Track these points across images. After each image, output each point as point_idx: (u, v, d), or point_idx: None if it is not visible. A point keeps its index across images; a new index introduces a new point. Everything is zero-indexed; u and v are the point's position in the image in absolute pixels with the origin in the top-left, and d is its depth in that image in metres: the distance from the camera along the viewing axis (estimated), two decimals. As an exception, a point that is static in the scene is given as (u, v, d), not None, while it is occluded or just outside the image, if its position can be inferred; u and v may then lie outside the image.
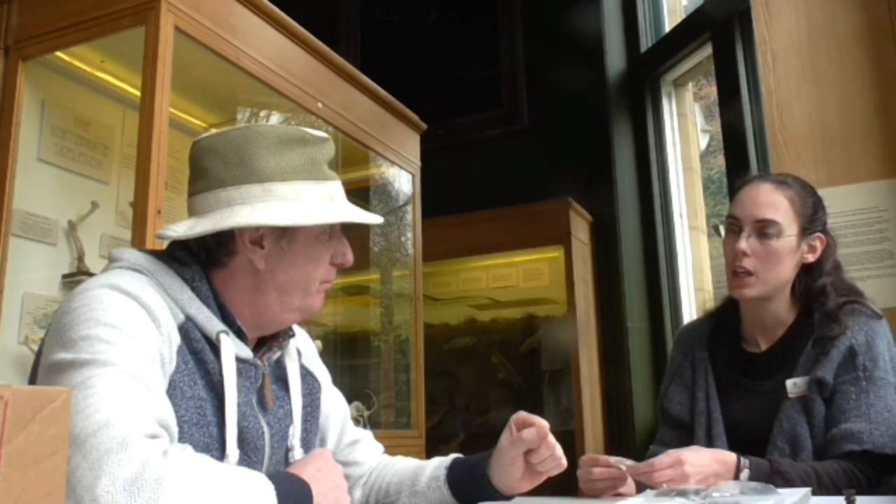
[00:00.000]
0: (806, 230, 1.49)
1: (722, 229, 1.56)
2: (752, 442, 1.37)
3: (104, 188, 2.27)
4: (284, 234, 1.08)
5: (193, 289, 1.05)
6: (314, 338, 2.74)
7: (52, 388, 0.49)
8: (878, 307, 1.51)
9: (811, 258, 1.50)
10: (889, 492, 1.36)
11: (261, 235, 1.07)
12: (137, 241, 1.73)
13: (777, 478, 1.28)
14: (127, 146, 2.29)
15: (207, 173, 1.08)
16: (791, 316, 1.52)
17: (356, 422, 2.58)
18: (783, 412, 1.42)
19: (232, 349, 1.04)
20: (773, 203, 1.48)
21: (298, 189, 1.07)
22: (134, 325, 0.95)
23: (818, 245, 1.51)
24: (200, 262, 1.08)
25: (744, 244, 1.46)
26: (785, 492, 1.13)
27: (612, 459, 1.27)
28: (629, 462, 1.27)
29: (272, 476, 0.93)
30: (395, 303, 3.19)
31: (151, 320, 0.97)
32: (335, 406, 1.31)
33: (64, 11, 1.99)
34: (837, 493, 1.26)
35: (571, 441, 3.32)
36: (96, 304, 0.95)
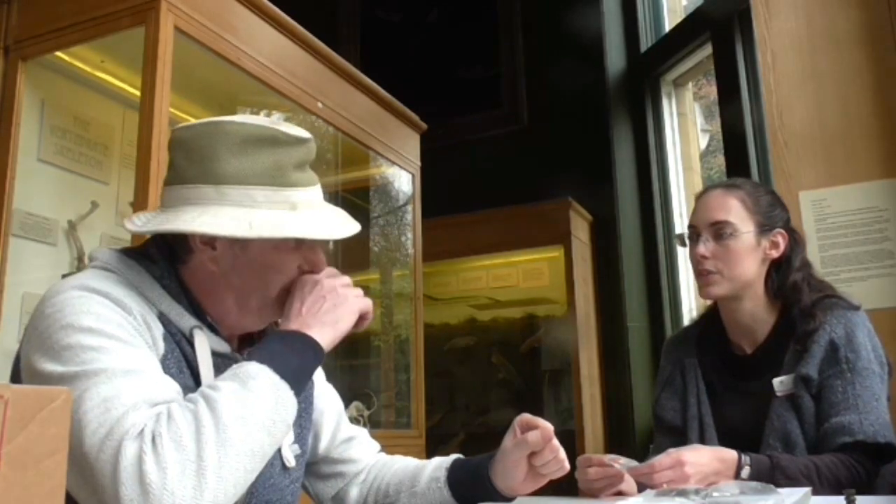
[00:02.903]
0: (764, 226, 1.53)
1: (683, 240, 1.62)
2: (745, 443, 1.38)
3: (104, 188, 2.27)
4: (237, 241, 1.03)
5: (163, 286, 1.04)
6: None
7: (52, 389, 0.49)
8: (855, 300, 1.52)
9: (775, 254, 1.54)
10: (887, 490, 1.36)
11: (213, 237, 1.03)
12: (137, 242, 1.73)
13: (778, 473, 1.29)
14: (127, 146, 2.29)
15: (172, 167, 1.07)
16: (772, 316, 1.54)
17: (356, 421, 2.58)
18: (773, 411, 1.44)
19: (206, 344, 1.04)
20: (723, 205, 1.54)
21: (254, 195, 1.02)
22: (111, 322, 0.94)
23: (780, 241, 1.54)
24: (170, 257, 1.08)
25: (702, 248, 1.52)
26: (785, 491, 1.13)
27: (607, 458, 1.27)
28: (623, 460, 1.27)
29: (262, 355, 0.96)
30: (395, 303, 3.19)
31: (126, 313, 0.97)
32: (329, 402, 1.31)
33: (64, 11, 1.99)
34: (838, 484, 1.27)
35: (571, 441, 3.32)
36: (68, 308, 0.94)
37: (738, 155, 3.09)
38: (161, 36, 1.83)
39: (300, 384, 0.97)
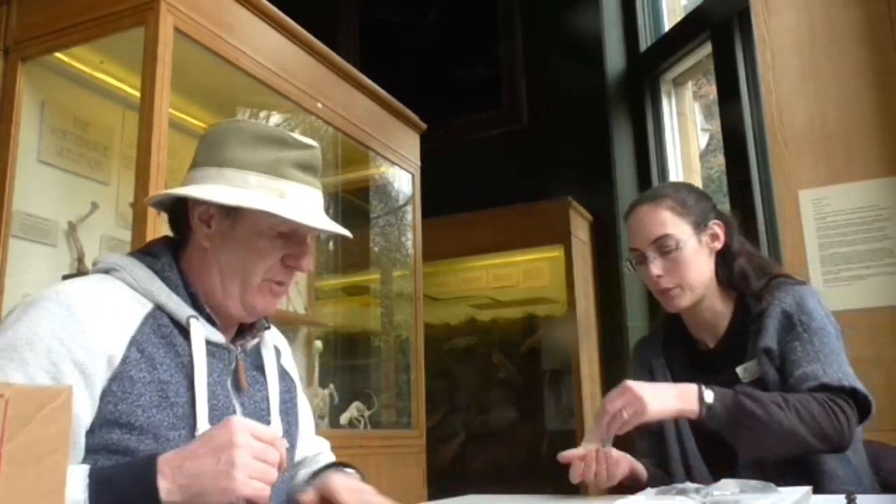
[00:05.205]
0: (699, 224, 1.53)
1: (631, 264, 1.60)
2: (721, 434, 1.37)
3: (104, 189, 2.27)
4: (227, 217, 1.10)
5: (164, 279, 1.10)
6: (315, 338, 2.74)
7: (52, 387, 0.49)
8: (800, 278, 1.55)
9: (719, 245, 1.55)
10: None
11: (210, 215, 1.11)
12: (137, 242, 1.73)
13: (742, 396, 1.30)
14: (127, 147, 2.29)
15: (193, 157, 1.16)
16: (728, 308, 1.55)
17: (357, 422, 2.58)
18: None
19: (202, 332, 1.08)
20: (656, 220, 1.53)
21: (249, 178, 1.09)
22: (39, 350, 0.96)
23: (718, 231, 1.55)
24: (173, 252, 1.14)
25: (654, 269, 1.51)
26: (785, 490, 1.13)
27: (576, 451, 1.30)
28: (587, 437, 1.30)
29: (101, 480, 0.89)
30: (395, 303, 3.19)
31: (79, 329, 0.99)
32: (304, 413, 1.34)
33: (63, 12, 1.99)
34: (811, 417, 1.28)
35: (571, 441, 3.33)
36: (24, 315, 1.00)
37: (737, 154, 3.09)
38: (161, 36, 1.84)
39: None
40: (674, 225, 1.51)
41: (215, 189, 1.08)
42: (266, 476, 0.92)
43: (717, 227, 1.54)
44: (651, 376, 1.61)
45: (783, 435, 1.27)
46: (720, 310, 1.54)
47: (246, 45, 2.14)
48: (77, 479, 0.89)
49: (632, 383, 1.29)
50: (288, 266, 1.13)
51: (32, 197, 2.06)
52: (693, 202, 1.55)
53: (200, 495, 0.89)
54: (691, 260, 1.50)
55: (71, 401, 0.49)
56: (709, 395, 1.30)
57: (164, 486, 0.89)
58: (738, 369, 1.46)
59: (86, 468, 0.91)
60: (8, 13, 2.07)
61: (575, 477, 1.31)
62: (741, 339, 1.49)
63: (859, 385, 1.36)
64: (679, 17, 3.76)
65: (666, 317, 1.66)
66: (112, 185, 2.29)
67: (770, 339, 1.43)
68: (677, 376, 1.58)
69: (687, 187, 1.62)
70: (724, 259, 1.55)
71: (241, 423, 0.93)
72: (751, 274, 1.52)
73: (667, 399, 1.30)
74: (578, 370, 3.45)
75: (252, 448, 0.91)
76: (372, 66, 3.34)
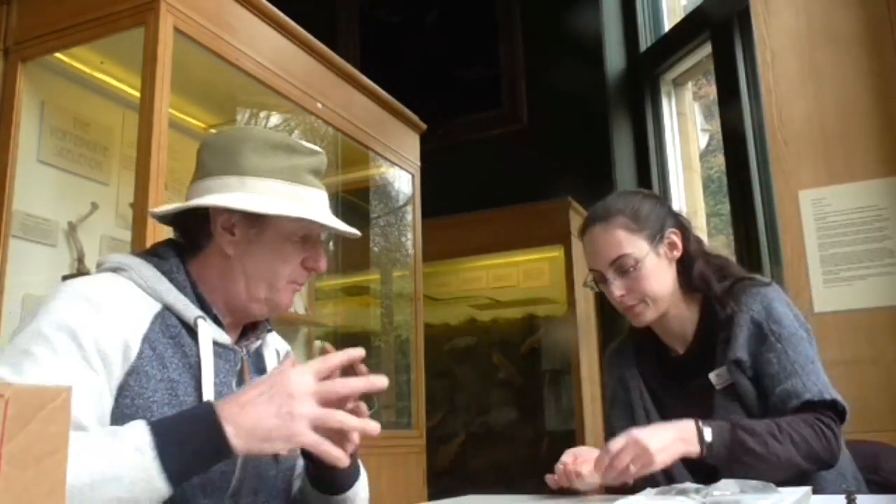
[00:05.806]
0: (655, 236, 1.50)
1: (595, 283, 1.59)
2: None
3: (104, 189, 2.27)
4: (254, 225, 1.13)
5: (172, 280, 1.11)
6: (315, 338, 2.74)
7: (52, 387, 0.49)
8: (765, 278, 1.53)
9: (678, 254, 1.52)
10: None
11: (233, 223, 1.12)
12: (137, 242, 1.73)
13: (740, 431, 1.29)
14: (127, 147, 2.29)
15: (200, 165, 1.17)
16: (695, 313, 1.53)
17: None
18: (717, 404, 1.43)
19: (209, 333, 1.10)
20: (611, 241, 1.49)
21: (271, 185, 1.12)
22: (64, 333, 0.97)
23: (675, 239, 1.51)
24: (180, 255, 1.15)
25: (616, 290, 1.50)
26: (785, 490, 1.13)
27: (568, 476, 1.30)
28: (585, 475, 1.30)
29: (163, 430, 0.90)
30: (395, 303, 3.19)
31: (99, 319, 1.00)
32: None
33: (63, 12, 1.99)
34: (803, 440, 1.28)
35: (571, 441, 3.32)
36: (44, 309, 1.01)
37: (737, 154, 3.09)
38: (161, 37, 1.84)
39: (179, 479, 0.90)
40: (629, 243, 1.48)
41: (245, 198, 1.10)
42: (328, 421, 0.96)
43: (673, 236, 1.51)
44: (625, 390, 1.61)
45: (780, 466, 1.28)
46: (687, 316, 1.53)
47: (246, 45, 2.14)
48: (136, 428, 0.89)
49: (637, 433, 1.26)
50: (307, 268, 1.18)
51: (32, 197, 2.06)
52: (647, 212, 1.51)
53: (264, 442, 0.92)
54: (651, 275, 1.48)
55: (70, 401, 0.49)
56: (708, 434, 1.28)
57: (229, 430, 0.91)
58: (711, 376, 1.44)
59: (141, 421, 0.91)
60: (8, 13, 2.07)
61: (552, 484, 1.32)
62: (710, 344, 1.48)
63: (838, 396, 1.36)
64: (679, 17, 3.76)
65: (633, 328, 1.65)
66: (112, 185, 2.29)
67: (741, 349, 1.41)
68: (651, 387, 1.58)
69: (640, 196, 1.57)
70: (683, 264, 1.52)
71: (298, 372, 0.96)
72: (710, 276, 1.50)
73: (671, 446, 1.27)
74: (578, 370, 3.45)
75: (302, 394, 0.94)
76: (372, 66, 3.34)
